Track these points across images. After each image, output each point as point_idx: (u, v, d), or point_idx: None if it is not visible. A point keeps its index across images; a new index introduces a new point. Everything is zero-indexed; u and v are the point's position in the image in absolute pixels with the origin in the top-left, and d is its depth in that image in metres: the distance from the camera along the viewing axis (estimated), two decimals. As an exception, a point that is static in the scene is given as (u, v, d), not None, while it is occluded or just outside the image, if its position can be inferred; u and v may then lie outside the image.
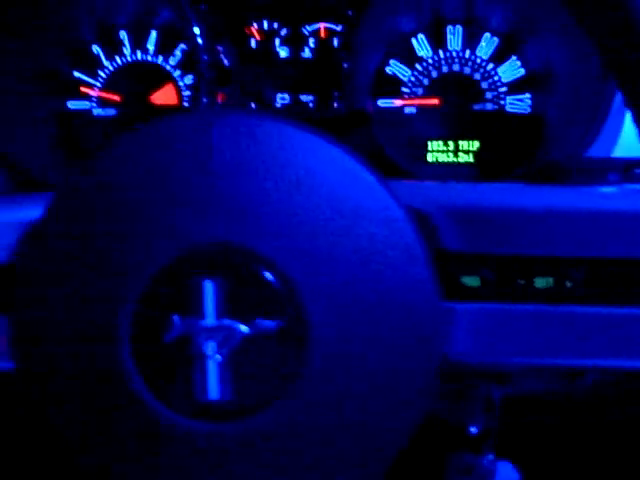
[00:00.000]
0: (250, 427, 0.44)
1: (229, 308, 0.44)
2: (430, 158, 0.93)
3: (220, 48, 0.87)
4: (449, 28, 0.92)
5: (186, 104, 0.95)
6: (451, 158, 0.93)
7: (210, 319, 0.44)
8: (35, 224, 0.47)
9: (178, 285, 0.44)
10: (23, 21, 0.89)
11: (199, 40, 0.85)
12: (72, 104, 0.96)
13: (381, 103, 0.92)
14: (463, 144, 0.92)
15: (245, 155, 0.45)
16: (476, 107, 0.92)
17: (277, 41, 0.91)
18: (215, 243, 0.44)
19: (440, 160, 0.93)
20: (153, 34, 0.95)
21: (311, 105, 0.91)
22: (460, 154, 0.93)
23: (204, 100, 0.86)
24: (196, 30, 0.85)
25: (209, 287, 0.44)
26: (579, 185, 0.49)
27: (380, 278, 0.44)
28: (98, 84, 0.96)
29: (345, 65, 0.85)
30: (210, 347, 0.44)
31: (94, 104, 0.97)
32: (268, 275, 0.44)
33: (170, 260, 0.44)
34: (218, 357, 0.44)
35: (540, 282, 0.46)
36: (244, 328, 0.44)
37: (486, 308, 0.47)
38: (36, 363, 0.46)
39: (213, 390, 0.44)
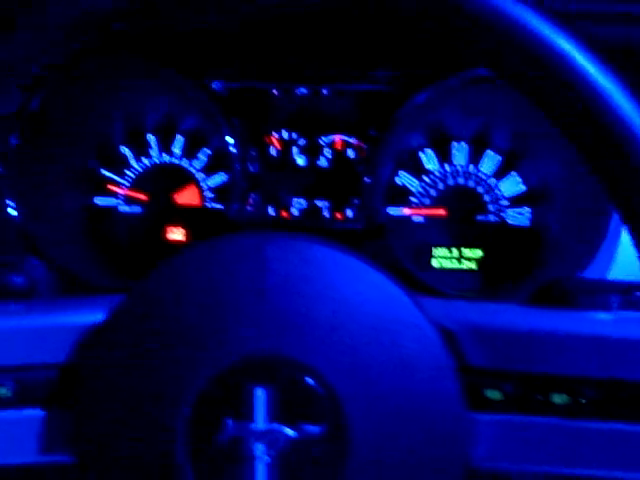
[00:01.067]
0: None
1: (277, 413, 0.48)
2: (435, 264, 0.99)
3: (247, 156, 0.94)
4: (455, 144, 1.00)
5: (208, 205, 1.01)
6: (455, 265, 0.99)
7: (260, 423, 0.48)
8: (99, 327, 0.51)
9: (232, 391, 0.48)
10: (59, 125, 0.95)
11: (232, 149, 0.92)
12: (100, 200, 1.02)
13: (391, 211, 0.99)
14: (467, 252, 0.99)
15: (294, 275, 0.50)
16: (479, 218, 0.99)
17: (295, 150, 0.98)
18: (266, 354, 0.49)
19: (445, 266, 0.99)
20: (179, 138, 1.02)
21: (326, 210, 0.97)
22: (464, 261, 0.99)
23: (234, 205, 0.92)
24: (229, 139, 0.92)
25: (260, 394, 0.48)
26: (585, 309, 0.54)
27: (412, 388, 0.49)
28: (125, 183, 1.03)
29: (364, 177, 0.91)
30: (259, 449, 0.48)
31: (121, 201, 1.03)
32: (313, 384, 0.48)
33: (225, 368, 0.48)
34: (266, 458, 0.48)
35: (557, 398, 0.50)
36: (291, 432, 0.48)
37: (506, 420, 0.51)
38: (95, 458, 0.49)
39: None
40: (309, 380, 0.48)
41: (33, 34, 0.45)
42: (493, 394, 0.51)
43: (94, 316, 0.52)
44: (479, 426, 0.51)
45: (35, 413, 0.52)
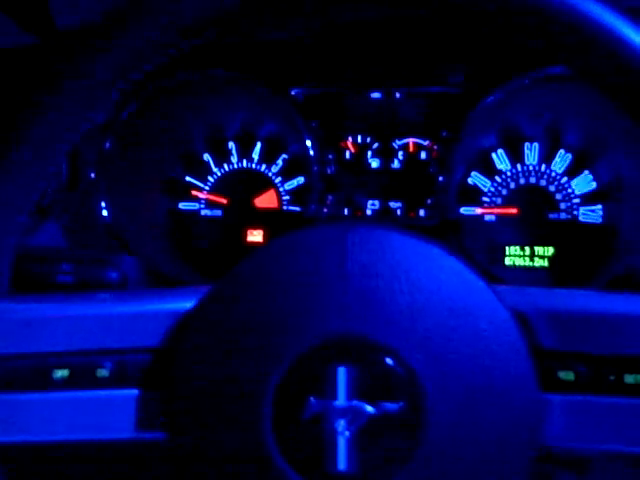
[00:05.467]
0: None
1: (358, 392, 0.51)
2: (508, 262, 1.01)
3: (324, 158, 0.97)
4: (526, 144, 1.01)
5: (286, 208, 1.05)
6: (527, 262, 1.00)
7: (341, 401, 0.50)
8: (190, 314, 0.55)
9: (315, 371, 0.51)
10: (147, 134, 1.01)
11: (310, 152, 0.96)
12: (183, 205, 1.08)
13: (464, 211, 1.01)
14: (539, 250, 1.00)
15: (374, 261, 0.52)
16: (551, 216, 1.00)
17: (369, 153, 1.01)
18: (348, 335, 0.51)
19: (517, 264, 1.00)
20: (258, 145, 1.06)
21: (399, 211, 0.99)
22: (536, 259, 1.00)
23: (312, 206, 0.96)
24: (308, 143, 0.96)
25: (342, 373, 0.51)
26: None
27: (487, 370, 0.51)
28: (207, 188, 1.07)
29: (438, 178, 0.94)
30: (340, 425, 0.50)
31: (202, 205, 1.08)
32: (392, 364, 0.51)
33: (309, 349, 0.51)
34: (347, 433, 0.50)
35: (629, 378, 0.51)
36: (370, 409, 0.50)
37: (579, 400, 0.52)
38: (185, 436, 0.52)
39: (342, 462, 0.50)
40: (388, 360, 0.51)
41: (131, 48, 0.49)
42: (566, 375, 0.53)
43: (185, 304, 0.55)
44: (552, 407, 0.53)
45: (131, 393, 0.55)
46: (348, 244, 0.53)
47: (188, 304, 0.55)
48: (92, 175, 0.97)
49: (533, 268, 1.00)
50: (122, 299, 0.58)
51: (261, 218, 1.06)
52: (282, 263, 0.53)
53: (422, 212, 0.98)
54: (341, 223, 0.54)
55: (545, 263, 1.00)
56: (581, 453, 0.54)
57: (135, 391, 0.55)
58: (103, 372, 0.55)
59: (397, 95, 0.97)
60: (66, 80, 0.49)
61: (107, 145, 0.96)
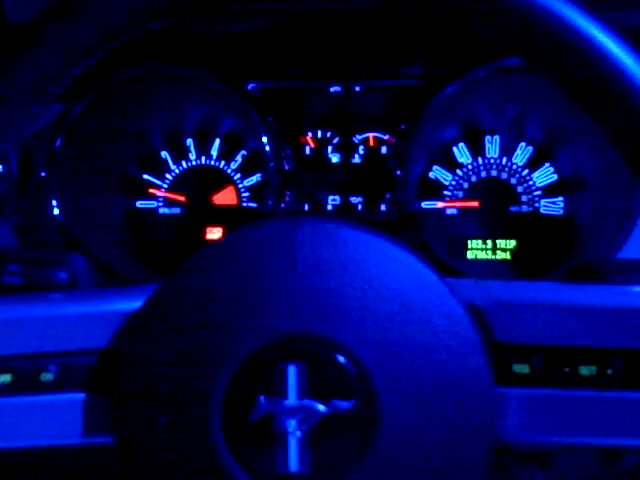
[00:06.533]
0: None
1: (309, 390, 0.50)
2: (470, 255, 1.00)
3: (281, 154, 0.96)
4: (487, 137, 1.01)
5: (245, 205, 1.04)
6: (489, 256, 1.00)
7: (292, 400, 0.49)
8: (137, 314, 0.53)
9: (265, 369, 0.50)
10: (100, 131, 0.98)
11: (267, 148, 0.94)
12: (141, 203, 1.06)
13: (425, 205, 1.00)
14: (501, 243, 1.00)
15: (324, 257, 0.51)
16: (513, 209, 1.00)
17: (329, 148, 1.00)
18: (298, 332, 0.50)
19: (479, 257, 1.00)
20: (217, 141, 1.05)
21: (360, 206, 0.98)
22: (498, 252, 0.99)
23: (269, 202, 0.94)
24: (264, 139, 0.94)
25: (292, 371, 0.50)
26: (614, 284, 0.55)
27: (441, 365, 0.50)
28: (165, 186, 1.06)
29: (397, 172, 0.93)
30: (291, 425, 0.49)
31: (161, 204, 1.06)
32: (344, 361, 0.50)
33: (258, 347, 0.50)
34: (298, 434, 0.49)
35: (584, 370, 0.51)
36: (322, 408, 0.49)
37: (535, 393, 0.52)
38: (133, 439, 0.51)
39: (293, 463, 0.49)
40: (340, 357, 0.50)
41: (75, 39, 0.47)
42: (521, 368, 0.52)
43: (132, 304, 0.54)
44: (508, 400, 0.52)
45: (76, 397, 0.54)
46: (298, 240, 0.52)
47: (136, 303, 0.54)
48: (43, 173, 0.95)
49: (495, 261, 1.00)
50: (67, 300, 0.57)
51: (220, 215, 1.04)
52: (230, 260, 0.52)
53: (383, 207, 0.97)
54: (290, 219, 0.53)
55: (507, 256, 1.00)
56: (538, 446, 0.54)
57: (81, 395, 0.54)
58: (48, 376, 0.54)
59: (356, 89, 0.97)
60: (6, 73, 0.47)
61: (58, 143, 0.94)
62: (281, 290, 0.51)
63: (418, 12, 0.46)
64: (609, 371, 0.51)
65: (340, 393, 0.49)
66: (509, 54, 0.84)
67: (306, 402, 0.50)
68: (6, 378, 0.53)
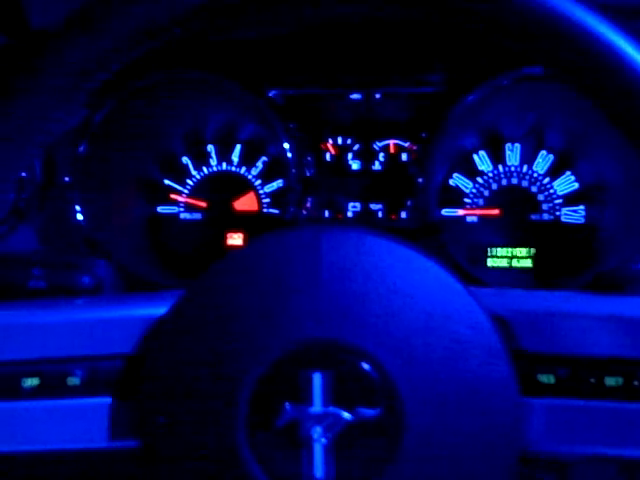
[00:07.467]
0: None
1: (334, 397, 0.50)
2: (490, 263, 1.00)
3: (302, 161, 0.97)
4: (508, 145, 1.01)
5: (265, 211, 1.04)
6: (510, 264, 0.99)
7: (317, 407, 0.50)
8: (163, 320, 0.54)
9: (290, 376, 0.50)
10: (123, 137, 0.99)
11: (288, 154, 0.95)
12: (162, 208, 1.06)
13: (445, 212, 1.00)
14: (521, 251, 0.99)
15: (349, 264, 0.51)
16: (533, 217, 1.00)
17: (350, 155, 1.00)
18: (323, 340, 0.50)
19: (499, 265, 1.00)
20: (237, 147, 1.05)
21: (380, 213, 0.99)
22: (518, 260, 0.99)
23: (290, 208, 0.95)
24: (286, 145, 0.95)
25: (317, 378, 0.50)
26: (637, 295, 0.55)
27: (466, 374, 0.50)
28: (186, 191, 1.06)
29: (418, 179, 0.93)
30: (317, 432, 0.49)
31: (182, 209, 1.06)
32: (369, 369, 0.50)
33: (284, 354, 0.50)
34: (323, 440, 0.49)
35: (610, 381, 0.51)
36: (347, 415, 0.49)
37: (560, 403, 0.52)
38: (159, 443, 0.51)
39: (318, 469, 0.49)
40: (365, 365, 0.50)
41: (100, 45, 0.48)
42: (546, 378, 0.52)
43: (158, 309, 0.54)
44: (532, 410, 0.52)
45: (103, 401, 0.54)
46: (323, 247, 0.52)
47: (161, 309, 0.54)
48: (67, 179, 0.96)
49: (515, 269, 0.99)
50: (94, 305, 0.57)
51: (241, 221, 1.05)
52: (255, 267, 0.52)
53: (403, 214, 0.97)
54: (315, 226, 0.53)
55: (528, 264, 0.99)
56: (562, 457, 0.54)
57: (107, 399, 0.54)
58: (74, 380, 0.54)
59: (377, 96, 0.97)
60: (35, 79, 0.47)
61: (82, 148, 0.94)
62: (306, 297, 0.51)
63: (440, 21, 0.46)
64: (635, 382, 0.50)
65: (365, 401, 0.50)
66: (531, 62, 0.84)
67: (331, 409, 0.50)
68: (34, 381, 0.54)
